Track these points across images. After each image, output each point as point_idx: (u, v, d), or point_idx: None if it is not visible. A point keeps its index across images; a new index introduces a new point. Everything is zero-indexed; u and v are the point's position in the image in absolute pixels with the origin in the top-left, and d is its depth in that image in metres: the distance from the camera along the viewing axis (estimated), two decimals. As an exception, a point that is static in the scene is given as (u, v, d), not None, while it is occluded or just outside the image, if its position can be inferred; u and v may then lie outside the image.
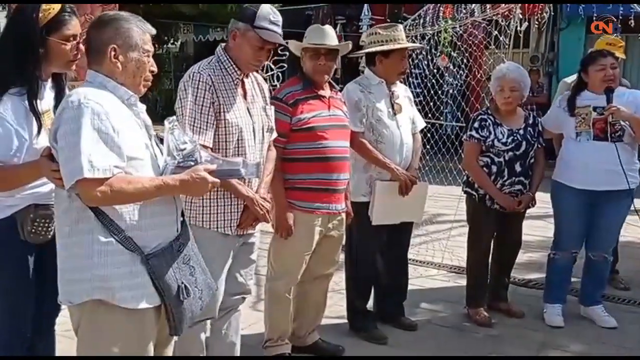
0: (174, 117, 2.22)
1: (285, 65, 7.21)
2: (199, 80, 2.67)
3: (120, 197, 1.98)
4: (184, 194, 2.24)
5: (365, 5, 12.17)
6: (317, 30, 3.31)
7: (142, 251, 2.02)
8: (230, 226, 2.77)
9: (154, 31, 2.20)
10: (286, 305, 3.40)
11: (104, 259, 1.99)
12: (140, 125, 2.14)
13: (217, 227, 2.75)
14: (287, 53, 7.12)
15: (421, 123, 3.96)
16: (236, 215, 2.77)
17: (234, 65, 2.76)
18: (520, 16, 5.25)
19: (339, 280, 4.16)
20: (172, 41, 10.63)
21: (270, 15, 2.70)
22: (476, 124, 3.87)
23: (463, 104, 6.40)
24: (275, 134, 3.01)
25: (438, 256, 5.40)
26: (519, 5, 5.22)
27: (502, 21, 5.30)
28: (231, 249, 2.82)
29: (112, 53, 2.06)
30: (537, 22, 6.63)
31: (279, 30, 2.73)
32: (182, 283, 2.08)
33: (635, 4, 6.38)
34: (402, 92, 3.85)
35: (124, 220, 2.02)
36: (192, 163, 2.10)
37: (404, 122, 3.71)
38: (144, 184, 2.01)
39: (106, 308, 2.01)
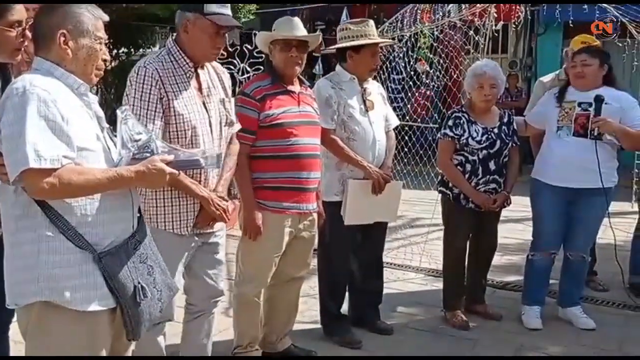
0: (127, 107, 2.10)
1: (262, 67, 7.13)
2: (144, 75, 2.53)
3: (70, 190, 1.85)
4: (140, 185, 2.13)
5: (345, 10, 12.17)
6: (286, 21, 3.21)
7: (94, 249, 1.90)
8: (187, 226, 2.64)
9: (106, 17, 2.07)
10: (255, 309, 3.28)
11: (52, 257, 1.87)
12: (92, 116, 2.01)
13: (173, 228, 2.62)
14: (264, 55, 7.07)
15: (395, 120, 3.86)
16: (192, 215, 2.65)
17: (184, 57, 2.62)
18: (495, 15, 5.21)
19: (314, 285, 4.05)
20: (148, 45, 10.48)
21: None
22: (450, 122, 3.80)
23: (440, 105, 6.35)
24: (237, 127, 2.89)
25: (416, 259, 5.31)
26: (494, 5, 5.18)
27: (477, 20, 5.26)
28: (187, 250, 2.70)
29: (62, 39, 1.94)
30: (514, 26, 6.62)
31: (229, 11, 2.63)
32: (139, 283, 1.96)
33: (610, 9, 6.41)
34: (375, 89, 3.77)
35: (74, 216, 1.89)
36: (148, 154, 1.98)
37: (376, 119, 3.62)
38: (96, 176, 1.89)
39: (55, 310, 1.89)
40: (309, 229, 3.30)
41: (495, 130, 3.77)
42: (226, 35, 2.72)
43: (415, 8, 7.14)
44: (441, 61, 6.95)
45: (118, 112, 2.02)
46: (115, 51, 11.10)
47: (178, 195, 2.60)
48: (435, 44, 7.14)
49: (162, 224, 2.61)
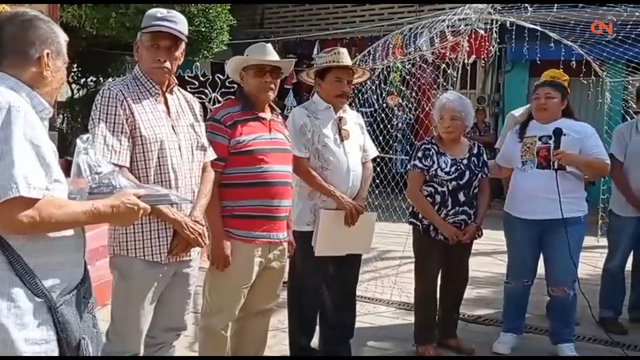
0: (89, 135, 1.99)
1: (233, 97, 7.08)
2: (109, 97, 2.47)
3: (49, 225, 1.68)
4: (113, 222, 1.99)
5: (317, 43, 12.30)
6: (259, 47, 3.17)
7: (50, 297, 1.72)
8: (160, 253, 2.53)
9: (67, 38, 1.96)
10: (222, 343, 3.15)
11: (6, 304, 1.65)
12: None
13: (144, 255, 2.51)
14: (235, 85, 7.04)
15: (373, 151, 3.81)
16: (165, 241, 2.54)
17: (150, 81, 2.58)
18: (467, 49, 5.28)
19: (283, 318, 3.94)
20: (117, 74, 10.39)
21: (157, 13, 2.56)
22: (420, 153, 3.79)
23: (412, 137, 6.38)
24: (211, 154, 2.82)
25: (387, 293, 5.24)
26: (466, 39, 5.25)
27: (449, 54, 5.32)
28: (161, 280, 2.58)
29: (46, 59, 1.81)
30: (483, 62, 6.75)
31: (173, 25, 2.54)
32: (84, 337, 1.79)
33: (575, 47, 6.58)
34: (353, 118, 3.73)
35: (31, 257, 1.70)
36: (106, 190, 1.84)
37: (352, 149, 3.57)
38: (74, 209, 1.73)
39: None
40: (279, 258, 3.21)
41: (465, 162, 3.77)
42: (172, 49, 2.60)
43: (387, 42, 7.22)
44: (413, 94, 7.03)
45: (78, 141, 1.89)
46: (83, 80, 10.99)
47: (149, 220, 2.50)
48: (407, 77, 7.22)
49: (133, 251, 2.50)
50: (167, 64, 2.56)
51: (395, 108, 7.40)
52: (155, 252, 2.52)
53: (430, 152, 3.76)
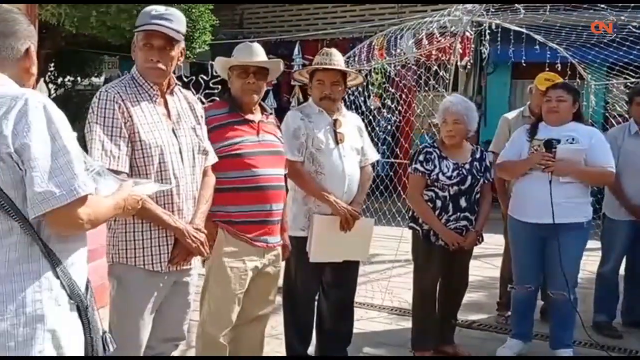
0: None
1: (217, 98, 6.95)
2: (106, 100, 2.34)
3: (98, 220, 1.67)
4: (122, 215, 1.98)
5: (297, 44, 12.20)
6: (245, 47, 3.06)
7: (82, 299, 1.66)
8: (160, 262, 2.42)
9: None
10: (220, 351, 3.04)
11: (55, 310, 1.60)
12: None
13: (144, 264, 2.40)
14: (220, 86, 6.92)
15: (373, 155, 3.71)
16: (166, 250, 2.43)
17: (149, 82, 2.46)
18: (460, 51, 5.24)
19: (275, 325, 3.84)
20: (95, 74, 10.16)
21: (152, 11, 2.44)
22: (421, 157, 3.70)
23: (393, 144, 6.35)
24: (212, 159, 2.71)
25: (377, 297, 5.17)
26: (459, 40, 5.21)
27: (440, 56, 5.27)
28: (161, 289, 2.47)
29: (31, 54, 1.74)
30: (463, 65, 6.72)
31: (167, 23, 2.42)
32: (104, 333, 1.74)
33: (560, 50, 6.61)
34: (352, 120, 3.64)
35: (67, 259, 1.65)
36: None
37: (348, 152, 3.48)
38: (107, 203, 1.73)
39: None
40: (274, 263, 3.11)
41: (467, 166, 3.69)
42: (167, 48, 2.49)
43: (373, 44, 7.17)
44: (396, 96, 6.99)
45: None
46: (60, 79, 10.73)
47: (150, 228, 2.39)
48: (388, 79, 7.19)
49: (133, 259, 2.39)
50: (161, 65, 2.44)
51: (375, 111, 7.35)
52: (155, 260, 2.41)
53: (432, 156, 3.68)
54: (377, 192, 6.25)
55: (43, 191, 1.52)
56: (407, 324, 4.16)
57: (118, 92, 2.37)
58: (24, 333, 1.55)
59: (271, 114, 3.21)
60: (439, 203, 3.65)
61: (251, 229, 2.93)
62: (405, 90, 6.71)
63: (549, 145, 3.59)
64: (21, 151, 1.52)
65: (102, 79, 14.23)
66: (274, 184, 2.99)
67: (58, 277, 1.61)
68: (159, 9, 2.46)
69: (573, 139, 3.65)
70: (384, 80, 7.54)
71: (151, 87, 2.45)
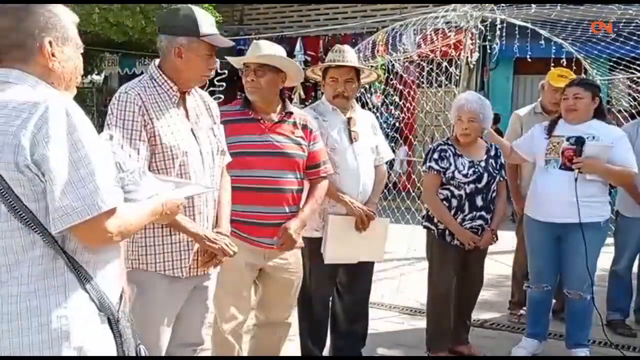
0: (111, 133, 1.86)
1: (222, 96, 6.94)
2: (126, 101, 2.26)
3: (129, 231, 1.60)
4: (160, 221, 1.94)
5: (299, 41, 12.14)
6: (252, 45, 3.03)
7: (113, 312, 1.60)
8: (181, 267, 2.36)
9: (77, 19, 1.75)
10: (229, 349, 2.99)
11: (82, 327, 1.53)
12: None
13: (165, 270, 2.34)
14: (224, 84, 6.89)
15: (387, 153, 3.65)
16: (187, 255, 2.37)
17: (169, 82, 2.38)
18: (471, 46, 5.19)
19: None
20: (96, 72, 10.08)
21: (208, 20, 2.40)
22: (435, 155, 3.65)
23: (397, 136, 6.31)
24: (228, 159, 2.65)
25: (387, 296, 5.12)
26: (469, 36, 5.16)
27: (450, 52, 5.22)
28: (181, 294, 2.42)
29: (48, 48, 1.60)
30: (474, 63, 6.67)
31: (217, 31, 2.44)
32: (139, 344, 1.69)
33: (566, 45, 6.57)
34: (367, 119, 3.59)
35: (97, 271, 1.59)
36: (133, 188, 1.72)
37: (362, 151, 3.42)
38: (140, 210, 1.66)
39: None
40: (287, 268, 3.03)
41: (482, 164, 3.64)
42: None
43: (377, 41, 7.12)
44: (397, 92, 6.95)
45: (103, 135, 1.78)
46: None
47: (170, 233, 2.33)
48: (394, 79, 7.14)
49: (153, 265, 2.33)
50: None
51: (385, 106, 7.32)
52: (176, 266, 2.35)
53: (447, 154, 3.63)
54: (385, 190, 6.20)
55: (63, 206, 1.45)
56: (420, 323, 4.12)
57: (138, 94, 2.30)
58: (49, 351, 1.49)
59: (291, 113, 3.07)
60: (454, 202, 3.60)
61: (244, 229, 2.87)
62: (413, 87, 6.67)
63: (580, 142, 3.53)
64: (40, 162, 1.45)
65: (102, 76, 14.17)
66: (271, 187, 2.91)
67: (86, 290, 1.55)
68: (208, 14, 2.43)
69: (594, 137, 3.60)
70: (386, 76, 7.50)
71: (170, 87, 2.39)
